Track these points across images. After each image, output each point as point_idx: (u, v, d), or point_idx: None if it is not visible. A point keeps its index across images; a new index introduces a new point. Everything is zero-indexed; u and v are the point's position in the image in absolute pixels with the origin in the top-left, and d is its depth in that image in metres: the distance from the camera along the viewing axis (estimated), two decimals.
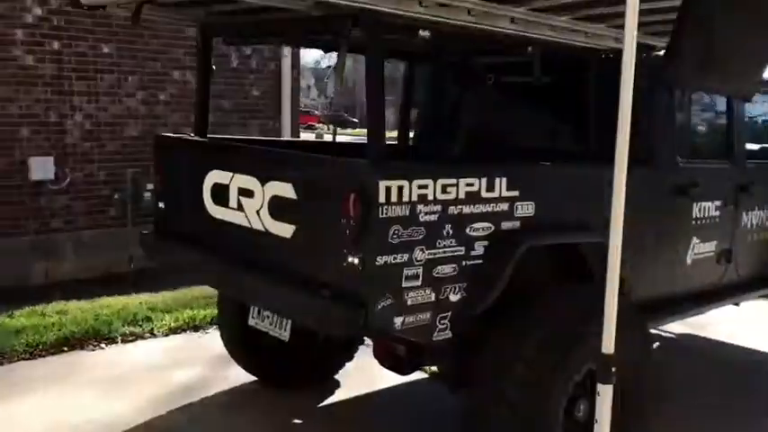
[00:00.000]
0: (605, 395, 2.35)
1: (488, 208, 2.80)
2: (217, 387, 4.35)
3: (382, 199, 2.46)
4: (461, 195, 2.69)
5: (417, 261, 2.61)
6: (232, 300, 3.95)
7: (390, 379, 4.46)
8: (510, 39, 3.07)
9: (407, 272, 2.59)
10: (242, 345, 4.12)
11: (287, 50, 8.70)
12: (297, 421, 4.05)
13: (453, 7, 2.60)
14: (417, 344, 3.10)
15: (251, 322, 3.40)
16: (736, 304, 4.71)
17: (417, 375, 4.51)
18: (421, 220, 2.59)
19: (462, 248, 2.74)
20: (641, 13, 2.29)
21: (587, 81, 3.57)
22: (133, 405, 4.00)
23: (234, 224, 3.12)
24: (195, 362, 4.75)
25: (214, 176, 3.21)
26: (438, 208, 2.63)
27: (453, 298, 2.75)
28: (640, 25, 2.38)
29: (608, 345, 2.37)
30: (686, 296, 3.96)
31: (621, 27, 2.36)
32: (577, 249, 3.18)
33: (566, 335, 2.84)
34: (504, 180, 2.83)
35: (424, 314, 2.67)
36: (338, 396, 4.33)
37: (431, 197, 2.60)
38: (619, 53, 2.40)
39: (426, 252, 2.63)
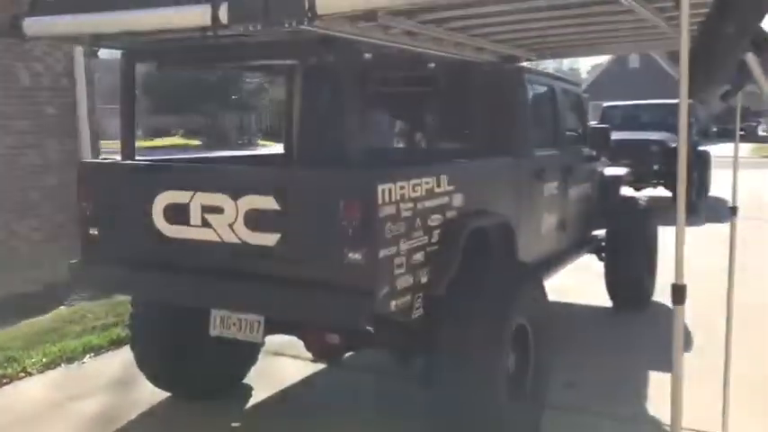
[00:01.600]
0: (680, 314, 2.43)
1: (439, 201, 3.32)
2: (133, 412, 4.32)
3: (380, 201, 2.88)
4: (423, 192, 3.19)
5: (402, 252, 3.05)
6: (153, 320, 4.02)
7: (292, 375, 4.83)
8: (425, 56, 3.62)
9: (396, 261, 3.02)
10: (162, 361, 4.18)
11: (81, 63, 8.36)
12: (235, 424, 4.22)
13: (415, 34, 3.07)
14: (348, 332, 3.57)
15: (213, 333, 3.54)
16: None
17: (315, 368, 4.93)
18: (402, 216, 3.04)
19: (426, 237, 3.24)
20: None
21: (478, 90, 4.26)
22: None
23: (197, 240, 3.27)
24: (93, 392, 4.62)
25: (167, 197, 3.32)
26: (411, 205, 3.10)
27: (423, 280, 3.23)
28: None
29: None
30: (544, 261, 4.83)
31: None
32: (484, 229, 3.81)
33: (504, 298, 3.46)
34: (446, 177, 3.38)
35: (407, 296, 3.13)
36: (261, 391, 4.56)
37: (407, 196, 3.06)
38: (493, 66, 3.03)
39: (407, 243, 3.08)
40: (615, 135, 12.81)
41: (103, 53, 3.75)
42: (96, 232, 3.56)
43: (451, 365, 3.32)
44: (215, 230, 3.22)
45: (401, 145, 4.91)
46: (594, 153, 5.91)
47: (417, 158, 4.14)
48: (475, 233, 3.50)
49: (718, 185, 15.32)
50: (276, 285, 3.11)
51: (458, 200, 3.48)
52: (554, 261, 5.10)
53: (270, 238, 3.10)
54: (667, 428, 3.90)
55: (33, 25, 3.07)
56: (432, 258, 3.27)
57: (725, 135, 46.48)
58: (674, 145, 13.13)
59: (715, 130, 49.64)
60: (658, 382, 4.63)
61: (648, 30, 4.18)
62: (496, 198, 3.87)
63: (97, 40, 3.14)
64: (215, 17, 2.52)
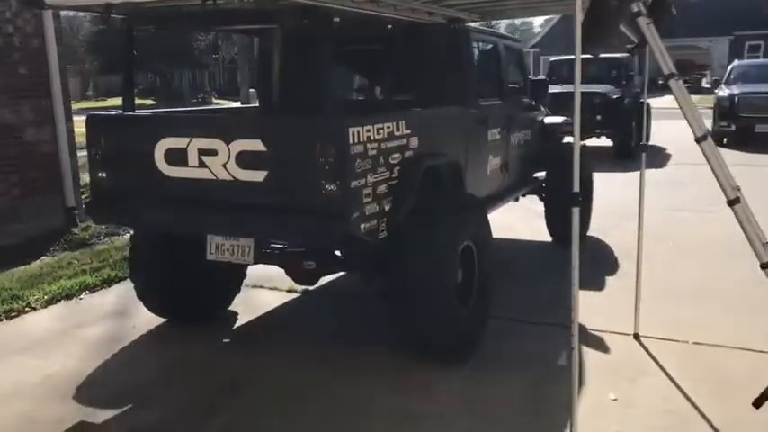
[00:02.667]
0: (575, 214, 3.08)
1: (398, 143, 3.98)
2: (134, 334, 4.95)
3: (351, 141, 3.52)
4: (385, 135, 3.83)
5: (369, 184, 3.71)
6: (151, 245, 4.63)
7: (269, 302, 5.50)
8: (385, 19, 4.23)
9: (365, 192, 3.68)
10: (159, 289, 4.80)
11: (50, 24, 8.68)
12: (225, 340, 4.88)
13: (376, 1, 3.67)
14: (321, 260, 4.25)
15: (209, 257, 4.16)
16: (516, 200, 6.51)
17: (289, 297, 5.61)
18: (369, 154, 3.68)
19: (388, 173, 3.89)
20: None
21: (430, 48, 4.89)
22: (77, 360, 4.48)
23: (194, 180, 3.88)
24: (95, 321, 5.23)
25: (167, 143, 3.91)
26: (376, 145, 3.74)
27: (386, 208, 3.90)
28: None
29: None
30: (489, 198, 5.54)
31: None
32: (436, 167, 4.48)
33: (454, 225, 4.16)
34: (403, 122, 4.03)
35: (374, 221, 3.79)
36: (245, 315, 5.22)
37: (373, 137, 3.70)
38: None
39: (373, 177, 3.74)
40: (561, 87, 13.66)
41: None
42: (104, 175, 4.13)
43: (411, 278, 4.01)
44: (210, 170, 3.83)
45: (365, 96, 5.54)
46: (534, 103, 6.61)
47: (379, 107, 4.78)
48: (428, 170, 4.17)
49: (659, 135, 16.31)
50: (264, 213, 3.75)
51: (414, 142, 4.14)
52: (499, 196, 5.81)
53: (258, 175, 3.72)
54: (591, 330, 4.72)
55: None
56: (393, 190, 3.94)
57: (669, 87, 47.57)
58: (614, 97, 13.99)
59: (661, 82, 50.85)
60: (586, 298, 5.44)
61: None
62: (447, 141, 4.54)
63: (108, 9, 3.67)
64: None
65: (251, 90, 30.15)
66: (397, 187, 3.96)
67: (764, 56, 44.39)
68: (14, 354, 4.62)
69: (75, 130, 9.26)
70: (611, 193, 8.61)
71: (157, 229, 4.43)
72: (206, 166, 3.83)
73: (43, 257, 7.31)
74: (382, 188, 3.84)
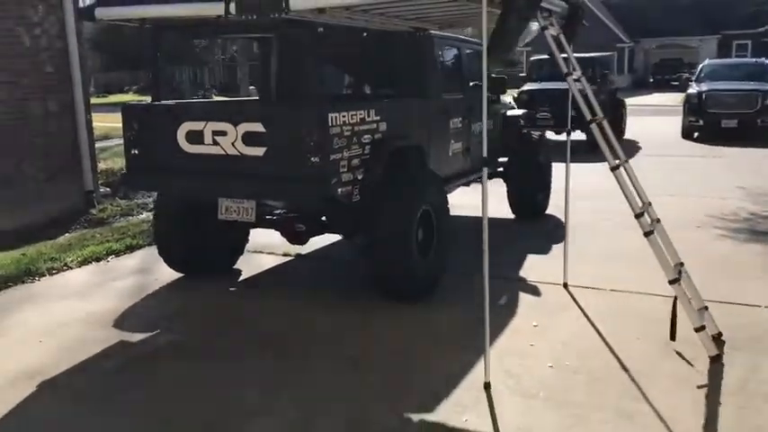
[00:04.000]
0: (485, 176, 4.32)
1: (368, 127, 5.04)
2: (155, 285, 6.01)
3: (331, 123, 4.59)
4: (358, 120, 4.91)
5: (344, 157, 4.78)
6: (172, 211, 5.70)
7: (268, 263, 6.56)
8: (361, 29, 5.30)
9: (341, 164, 4.75)
10: (178, 248, 5.87)
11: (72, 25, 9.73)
12: (231, 288, 5.96)
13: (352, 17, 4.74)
14: (310, 223, 5.31)
15: (220, 217, 5.23)
16: (467, 185, 7.57)
17: (284, 259, 6.67)
18: (344, 134, 4.75)
19: (361, 150, 4.96)
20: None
21: (398, 51, 5.97)
22: (112, 302, 5.56)
23: (208, 155, 4.95)
24: (123, 276, 6.31)
25: (188, 126, 4.98)
26: (350, 128, 4.81)
27: (359, 177, 4.97)
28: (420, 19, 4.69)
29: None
30: (452, 176, 6.60)
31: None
32: (401, 148, 5.53)
33: (414, 191, 5.23)
34: (373, 111, 5.10)
35: (349, 186, 4.86)
36: (247, 272, 6.30)
37: (347, 122, 4.77)
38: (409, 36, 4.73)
39: (348, 152, 4.81)
40: (540, 85, 14.71)
41: None
42: (137, 152, 5.21)
43: (380, 235, 5.09)
44: (222, 147, 4.89)
45: (345, 91, 6.62)
46: (495, 97, 7.69)
47: (355, 99, 5.85)
48: (394, 149, 5.25)
49: (634, 129, 17.41)
50: (264, 180, 4.82)
51: (383, 126, 5.21)
52: (463, 175, 6.88)
53: (259, 151, 4.79)
54: (530, 281, 5.80)
55: (101, 12, 4.66)
56: (365, 163, 5.00)
57: (662, 85, 48.64)
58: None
59: (652, 80, 51.75)
60: (532, 259, 6.54)
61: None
62: (410, 127, 5.61)
63: (143, 21, 4.73)
64: (227, 10, 4.15)
65: (251, 87, 31.37)
66: (367, 161, 5.03)
67: (752, 54, 45.42)
68: (61, 298, 5.70)
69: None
70: (577, 179, 9.69)
71: (180, 194, 5.50)
72: (218, 144, 4.90)
73: (66, 234, 8.34)
74: (356, 161, 4.91)
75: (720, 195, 9.32)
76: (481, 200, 3.90)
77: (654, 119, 21.96)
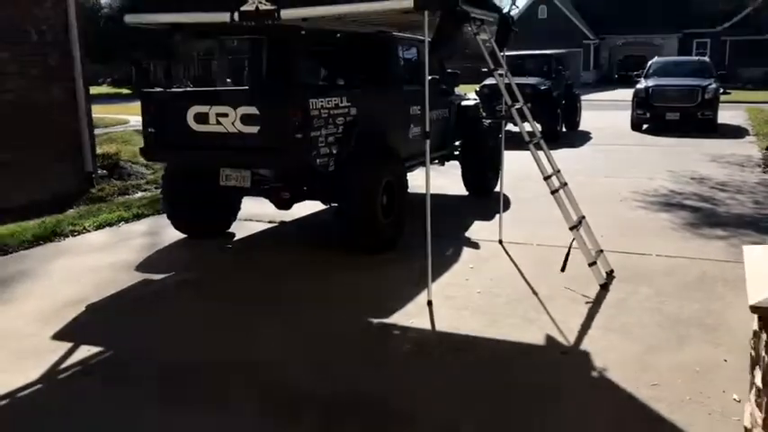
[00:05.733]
0: (428, 144, 5.85)
1: (342, 111, 6.30)
2: (164, 243, 7.23)
3: (311, 107, 5.84)
4: (333, 105, 6.16)
5: (322, 135, 6.03)
6: (178, 183, 6.91)
7: (256, 228, 7.79)
8: (335, 31, 6.57)
9: (320, 140, 6.00)
10: (183, 212, 7.09)
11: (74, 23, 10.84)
12: (228, 245, 7.19)
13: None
14: (294, 191, 6.56)
15: (222, 183, 6.46)
16: (441, 163, 8.86)
17: (270, 225, 7.91)
18: (322, 116, 6.01)
19: (335, 129, 6.22)
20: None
21: (366, 49, 7.24)
22: (131, 255, 6.77)
23: (213, 132, 6.18)
24: (136, 237, 7.52)
25: (195, 109, 6.19)
26: (327, 111, 6.07)
27: (334, 151, 6.23)
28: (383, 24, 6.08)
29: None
30: (412, 156, 7.87)
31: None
32: (368, 129, 6.79)
33: (379, 165, 6.51)
34: (345, 98, 6.36)
35: (326, 158, 6.12)
36: (240, 234, 7.54)
37: (325, 106, 6.03)
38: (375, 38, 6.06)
39: (325, 131, 6.06)
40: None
41: None
42: (153, 130, 6.41)
43: (350, 199, 6.35)
44: (223, 126, 6.11)
45: (322, 81, 7.89)
46: (449, 89, 9.00)
47: (330, 88, 7.11)
48: (362, 131, 6.52)
49: (589, 122, 18.88)
50: (257, 152, 6.06)
51: (353, 111, 6.47)
52: (420, 156, 8.14)
53: (254, 129, 6.02)
54: (473, 239, 7.11)
55: (130, 18, 5.87)
56: (338, 140, 6.26)
57: (626, 80, 50.37)
58: (543, 88, 16.40)
59: (616, 76, 53.46)
60: (477, 224, 7.86)
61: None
62: (377, 113, 6.88)
63: (167, 26, 5.95)
64: (232, 18, 5.40)
65: (227, 80, 32.54)
66: (341, 139, 6.29)
67: (711, 50, 47.42)
68: (87, 252, 6.90)
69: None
70: (531, 164, 11.04)
71: (188, 164, 6.71)
72: (221, 124, 6.12)
73: (70, 210, 9.46)
74: (331, 139, 6.17)
75: (649, 177, 10.72)
76: (425, 174, 5.17)
77: (611, 113, 23.47)
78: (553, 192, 5.63)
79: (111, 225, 8.01)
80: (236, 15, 5.42)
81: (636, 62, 50.68)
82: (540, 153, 5.83)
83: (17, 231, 7.36)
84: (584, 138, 16.59)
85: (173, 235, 7.33)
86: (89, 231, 7.74)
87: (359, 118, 6.53)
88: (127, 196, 10.34)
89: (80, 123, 11.10)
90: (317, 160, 6.01)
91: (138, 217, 8.35)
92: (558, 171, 6.04)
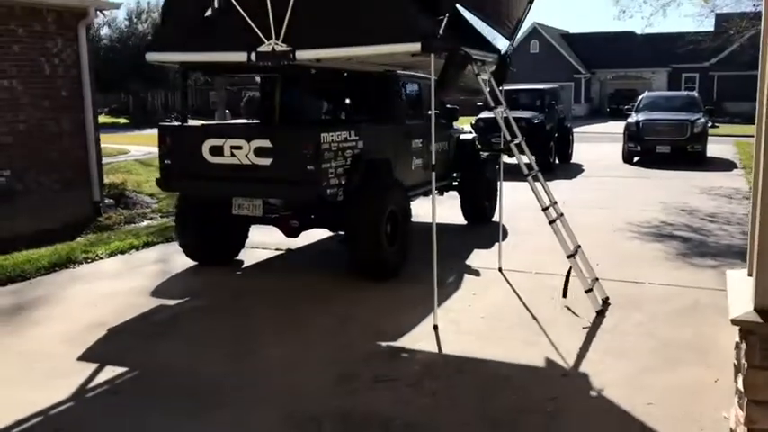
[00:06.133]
0: (434, 175, 6.20)
1: (349, 144, 6.63)
2: (176, 270, 7.49)
3: (322, 141, 6.17)
4: (342, 139, 6.49)
5: (332, 167, 6.35)
6: (191, 212, 7.20)
7: (264, 255, 8.07)
8: (343, 70, 6.93)
9: (330, 172, 6.32)
10: (195, 240, 7.37)
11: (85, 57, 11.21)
12: (238, 272, 7.46)
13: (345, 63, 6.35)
14: (302, 220, 6.86)
15: (234, 212, 6.75)
16: (441, 193, 9.19)
17: (276, 253, 8.19)
18: (332, 149, 6.33)
19: (344, 161, 6.54)
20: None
21: (372, 86, 7.61)
22: (145, 281, 7.02)
23: (227, 164, 6.48)
24: (148, 264, 7.77)
25: (211, 142, 6.51)
26: (336, 145, 6.39)
27: (343, 181, 6.54)
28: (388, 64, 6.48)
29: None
30: (414, 186, 8.20)
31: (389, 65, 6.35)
32: (373, 161, 7.11)
33: (384, 195, 6.82)
34: (353, 132, 6.69)
35: (335, 189, 6.43)
36: (249, 261, 7.81)
37: (335, 140, 6.36)
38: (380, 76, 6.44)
39: (334, 163, 6.38)
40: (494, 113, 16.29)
41: None
42: (169, 161, 6.71)
43: (357, 227, 6.65)
44: (237, 158, 6.42)
45: (331, 116, 8.24)
46: (449, 123, 9.37)
47: (339, 123, 7.45)
48: (369, 162, 6.84)
49: (581, 155, 19.32)
50: (270, 183, 6.36)
51: (360, 144, 6.80)
52: (423, 185, 8.48)
53: (267, 161, 6.33)
54: (474, 267, 7.40)
55: (151, 56, 6.22)
56: (347, 172, 6.58)
57: (617, 114, 51.13)
58: (537, 122, 16.83)
59: (608, 109, 54.32)
60: (477, 252, 8.16)
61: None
62: (381, 146, 7.22)
63: (183, 64, 6.28)
64: (249, 58, 5.74)
65: (226, 111, 32.98)
66: (349, 171, 6.61)
67: (699, 85, 48.31)
68: (102, 278, 7.16)
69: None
70: (526, 195, 11.38)
71: (203, 194, 7.00)
72: (235, 156, 6.43)
73: (79, 238, 9.71)
74: (340, 170, 6.49)
75: (641, 208, 11.07)
76: (431, 205, 5.49)
77: (603, 145, 23.96)
78: (551, 222, 5.94)
79: (123, 252, 8.27)
80: (253, 56, 5.76)
81: (626, 96, 51.70)
82: (538, 185, 6.15)
83: (33, 258, 7.60)
84: (577, 170, 16.98)
85: (183, 262, 7.59)
86: (102, 258, 7.99)
87: (365, 151, 6.86)
88: (133, 225, 10.61)
89: (88, 154, 11.41)
90: (328, 191, 6.32)
91: (148, 245, 8.61)
92: (555, 203, 6.36)
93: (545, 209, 5.98)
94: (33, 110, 10.55)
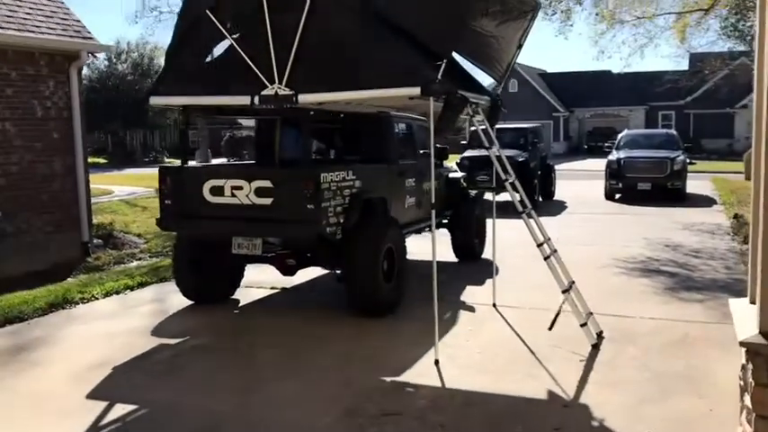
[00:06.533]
0: (433, 214, 6.40)
1: (347, 183, 6.79)
2: (172, 310, 7.53)
3: (322, 181, 6.33)
4: (340, 179, 6.65)
5: (331, 206, 6.50)
6: (188, 252, 7.29)
7: (258, 294, 8.15)
8: (339, 111, 7.14)
9: (329, 210, 6.46)
10: (191, 280, 7.44)
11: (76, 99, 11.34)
12: (235, 311, 7.52)
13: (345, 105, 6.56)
14: (299, 258, 6.98)
15: (234, 251, 6.84)
16: (419, 232, 9.37)
17: (271, 292, 8.28)
18: (331, 188, 6.49)
19: (342, 200, 6.69)
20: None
21: (367, 127, 7.81)
22: (143, 321, 7.07)
23: (227, 204, 6.61)
24: (144, 304, 7.82)
25: (211, 182, 6.64)
26: (336, 184, 6.55)
27: (341, 220, 6.69)
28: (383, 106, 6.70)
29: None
30: (408, 224, 8.36)
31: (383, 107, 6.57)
32: (370, 200, 7.28)
33: (380, 233, 6.97)
34: (351, 172, 6.87)
35: (334, 227, 6.57)
36: (244, 301, 7.88)
37: (334, 179, 6.52)
38: (375, 117, 6.65)
39: (333, 202, 6.53)
40: (479, 152, 16.73)
41: None
42: (170, 202, 6.82)
43: (353, 265, 6.78)
44: (238, 198, 6.55)
45: (330, 156, 8.43)
46: (439, 162, 9.59)
47: (337, 163, 7.63)
48: (366, 201, 7.00)
49: (564, 191, 19.65)
50: (271, 222, 6.49)
51: (357, 183, 6.97)
52: (417, 222, 8.66)
53: (267, 201, 6.46)
54: (468, 303, 7.54)
55: (155, 100, 6.38)
56: (345, 210, 6.73)
57: (595, 151, 51.92)
58: (521, 159, 17.14)
59: (586, 147, 55.17)
60: (470, 289, 8.30)
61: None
62: (377, 185, 7.39)
63: (185, 107, 6.44)
64: (252, 102, 5.92)
65: (208, 150, 33.25)
66: (347, 209, 6.76)
67: (675, 122, 49.41)
68: (100, 318, 7.19)
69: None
70: (511, 233, 11.58)
71: (203, 234, 7.10)
72: (235, 196, 6.56)
73: (68, 279, 9.72)
74: (339, 209, 6.64)
75: (626, 244, 11.31)
76: (431, 239, 5.65)
77: (584, 182, 24.35)
78: (546, 258, 6.11)
79: (118, 293, 8.30)
80: (256, 99, 5.95)
81: (604, 133, 52.77)
82: (532, 221, 6.34)
83: (29, 299, 7.62)
84: (561, 207, 17.27)
85: (179, 302, 7.64)
86: (98, 299, 8.02)
87: (362, 189, 7.03)
88: (123, 265, 10.63)
89: (78, 195, 11.47)
90: (327, 229, 6.46)
91: (142, 285, 8.65)
92: (549, 239, 6.54)
93: (539, 245, 6.16)
94: (25, 152, 10.64)
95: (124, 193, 20.95)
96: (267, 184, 6.45)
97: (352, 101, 6.23)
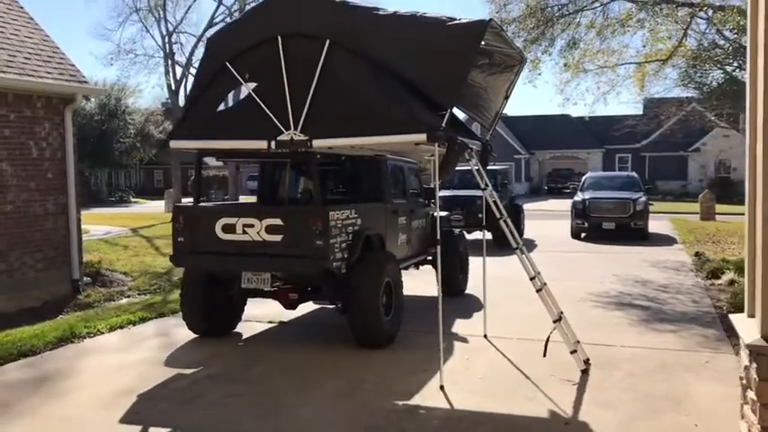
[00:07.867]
0: (438, 251, 6.90)
1: (350, 221, 7.28)
2: (179, 343, 7.85)
3: (330, 218, 6.80)
4: (345, 217, 7.14)
5: (337, 242, 6.97)
6: (196, 285, 7.65)
7: (259, 328, 8.52)
8: (341, 155, 7.66)
9: (335, 247, 6.93)
10: (198, 313, 7.79)
11: (70, 140, 11.66)
12: (240, 343, 7.87)
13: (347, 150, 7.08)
14: (301, 293, 7.42)
15: (244, 285, 7.24)
16: (417, 267, 9.88)
17: (271, 326, 8.66)
18: (337, 226, 6.96)
19: (346, 237, 7.17)
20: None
21: (365, 169, 8.34)
22: (153, 353, 7.38)
23: (239, 241, 7.02)
24: (149, 338, 8.11)
25: (224, 221, 7.06)
26: (341, 222, 7.04)
27: (345, 256, 7.15)
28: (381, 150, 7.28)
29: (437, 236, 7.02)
30: (401, 260, 8.85)
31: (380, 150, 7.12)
32: (370, 236, 7.76)
33: (380, 267, 7.45)
34: (353, 210, 7.36)
35: (340, 262, 7.03)
36: (247, 334, 8.23)
37: (339, 217, 7.00)
38: (372, 159, 7.22)
39: (339, 238, 7.00)
40: (454, 192, 17.40)
41: None
42: (182, 239, 7.21)
43: (357, 298, 7.22)
44: (249, 235, 6.98)
45: (334, 196, 8.95)
46: (427, 202, 10.16)
47: (340, 202, 8.14)
48: (366, 237, 7.49)
49: (532, 230, 20.37)
50: (280, 258, 6.92)
51: (359, 221, 7.46)
52: (407, 259, 9.16)
53: (277, 237, 6.90)
54: (461, 335, 8.02)
55: (174, 143, 6.82)
56: (348, 246, 7.20)
57: (555, 192, 53.17)
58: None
59: (546, 188, 56.54)
60: (460, 322, 8.79)
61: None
62: (375, 222, 7.89)
63: (204, 150, 6.90)
64: (269, 146, 6.41)
65: (169, 190, 33.50)
66: (350, 245, 7.23)
67: (631, 165, 51.14)
68: (111, 352, 7.48)
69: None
70: (489, 269, 12.14)
71: (214, 270, 7.47)
72: (247, 233, 6.99)
73: (59, 316, 9.93)
74: (343, 245, 7.11)
75: (598, 280, 11.96)
76: (435, 272, 6.15)
77: (549, 222, 25.18)
78: (538, 290, 6.66)
79: (121, 327, 8.58)
80: (272, 144, 6.44)
81: (563, 174, 54.44)
82: (524, 257, 6.90)
83: (39, 333, 7.86)
84: (530, 245, 17.91)
85: (185, 335, 7.97)
86: (103, 333, 8.29)
87: (363, 227, 7.52)
88: (114, 302, 10.87)
89: (70, 234, 11.72)
90: (334, 264, 6.91)
91: (143, 320, 8.94)
92: (539, 273, 7.10)
93: (532, 278, 6.70)
94: (20, 191, 10.89)
95: (100, 232, 21.05)
96: (278, 221, 6.89)
97: (364, 146, 6.75)
